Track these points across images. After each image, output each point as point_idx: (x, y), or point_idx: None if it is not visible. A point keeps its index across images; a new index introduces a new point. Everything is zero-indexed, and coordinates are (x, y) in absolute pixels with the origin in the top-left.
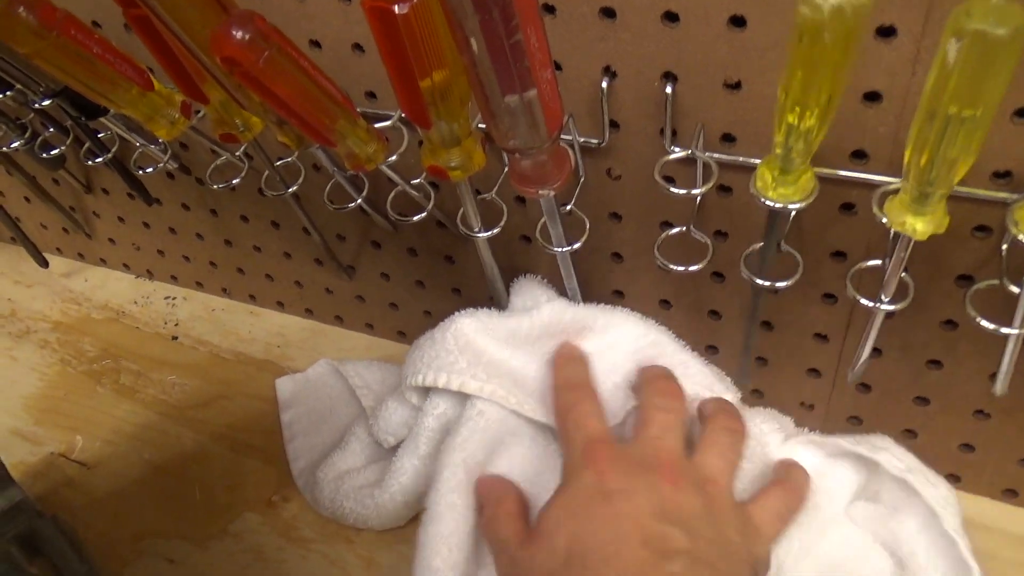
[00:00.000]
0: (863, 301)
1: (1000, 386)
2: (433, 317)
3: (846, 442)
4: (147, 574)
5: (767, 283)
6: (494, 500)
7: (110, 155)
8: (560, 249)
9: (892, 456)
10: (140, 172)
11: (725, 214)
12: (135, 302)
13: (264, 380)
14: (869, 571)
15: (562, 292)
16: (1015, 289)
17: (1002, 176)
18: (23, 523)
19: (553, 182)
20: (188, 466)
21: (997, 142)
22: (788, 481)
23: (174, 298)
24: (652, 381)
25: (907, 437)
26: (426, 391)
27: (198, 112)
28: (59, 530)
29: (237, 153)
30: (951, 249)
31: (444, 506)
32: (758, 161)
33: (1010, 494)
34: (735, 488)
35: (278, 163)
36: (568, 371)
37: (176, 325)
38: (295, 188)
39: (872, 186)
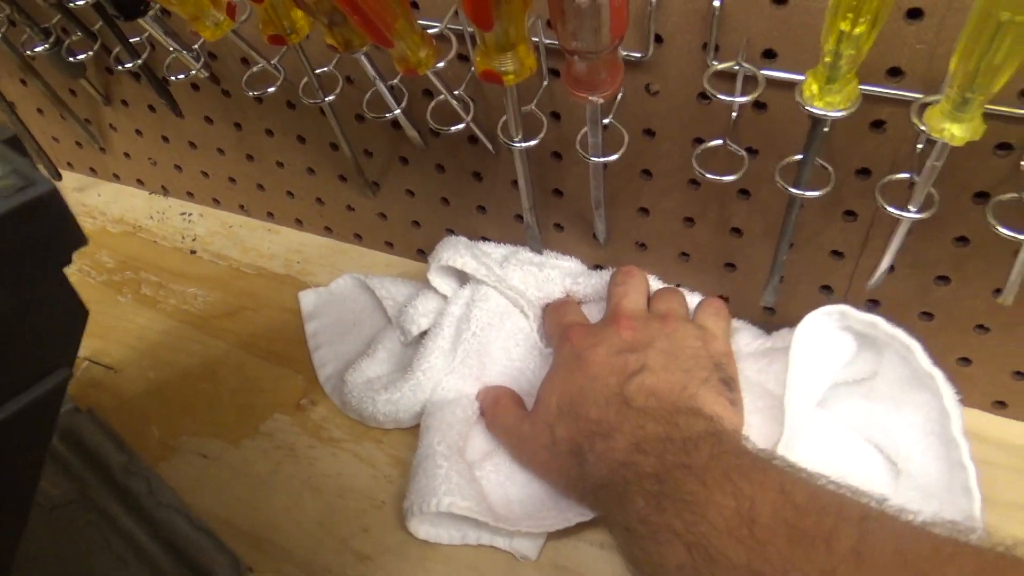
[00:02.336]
0: (892, 210)
1: (1006, 298)
2: (456, 236)
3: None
4: (183, 467)
5: (801, 192)
6: (492, 402)
7: (140, 60)
8: (597, 159)
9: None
10: (172, 79)
11: (758, 132)
12: (151, 217)
13: (287, 293)
14: (861, 471)
15: (589, 209)
16: None
17: None
18: (63, 417)
19: (605, 88)
20: (215, 371)
21: None
22: (704, 300)
23: (190, 214)
24: (614, 273)
25: None
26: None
27: (242, 16)
28: (96, 423)
29: (273, 62)
30: (972, 167)
31: (451, 391)
32: (798, 77)
33: (1000, 405)
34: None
35: (316, 72)
36: (557, 300)
37: (194, 240)
38: (332, 97)
39: (905, 103)
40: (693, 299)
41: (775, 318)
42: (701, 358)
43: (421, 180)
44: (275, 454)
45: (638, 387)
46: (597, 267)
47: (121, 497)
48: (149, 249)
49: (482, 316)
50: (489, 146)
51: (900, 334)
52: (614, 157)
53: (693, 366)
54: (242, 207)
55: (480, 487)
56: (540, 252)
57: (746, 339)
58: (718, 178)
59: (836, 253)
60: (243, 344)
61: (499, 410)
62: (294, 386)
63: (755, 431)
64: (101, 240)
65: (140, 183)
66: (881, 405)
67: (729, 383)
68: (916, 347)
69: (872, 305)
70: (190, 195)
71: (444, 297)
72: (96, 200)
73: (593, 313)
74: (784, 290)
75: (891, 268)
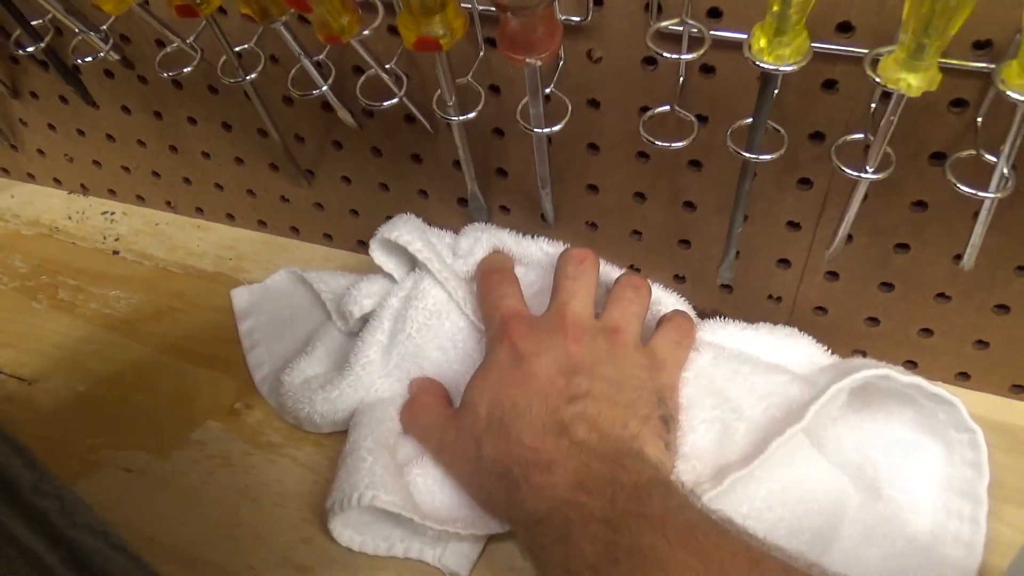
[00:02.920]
0: (848, 171)
1: (968, 260)
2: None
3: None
4: (105, 483)
5: (755, 156)
6: (411, 397)
7: (43, 44)
8: (539, 130)
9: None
10: (78, 63)
11: (706, 98)
12: (69, 217)
13: (218, 292)
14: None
15: (535, 185)
16: (991, 158)
17: (982, 46)
18: None
19: (543, 49)
20: (141, 378)
21: (979, 8)
22: (675, 317)
23: (113, 213)
24: (565, 254)
25: (870, 324)
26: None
27: None
28: (4, 440)
29: (188, 41)
30: (926, 125)
31: (385, 391)
32: (744, 36)
33: (963, 376)
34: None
35: (235, 49)
36: (492, 259)
37: (116, 240)
38: (254, 75)
39: (856, 60)
40: (662, 295)
41: (732, 295)
42: (644, 391)
43: (357, 165)
44: (207, 464)
45: (579, 417)
46: None
47: (28, 518)
48: (67, 251)
49: (418, 316)
50: (426, 124)
51: (943, 393)
52: (557, 128)
53: (635, 399)
54: (169, 203)
55: (406, 487)
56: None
57: (728, 329)
58: (667, 145)
59: (792, 224)
60: (171, 348)
61: (417, 407)
62: (228, 390)
63: (702, 449)
64: (13, 244)
65: (57, 182)
66: (884, 442)
67: (668, 422)
68: (959, 403)
69: (831, 278)
70: (112, 193)
71: (389, 279)
72: (9, 202)
73: (531, 279)
74: (740, 265)
75: (849, 237)
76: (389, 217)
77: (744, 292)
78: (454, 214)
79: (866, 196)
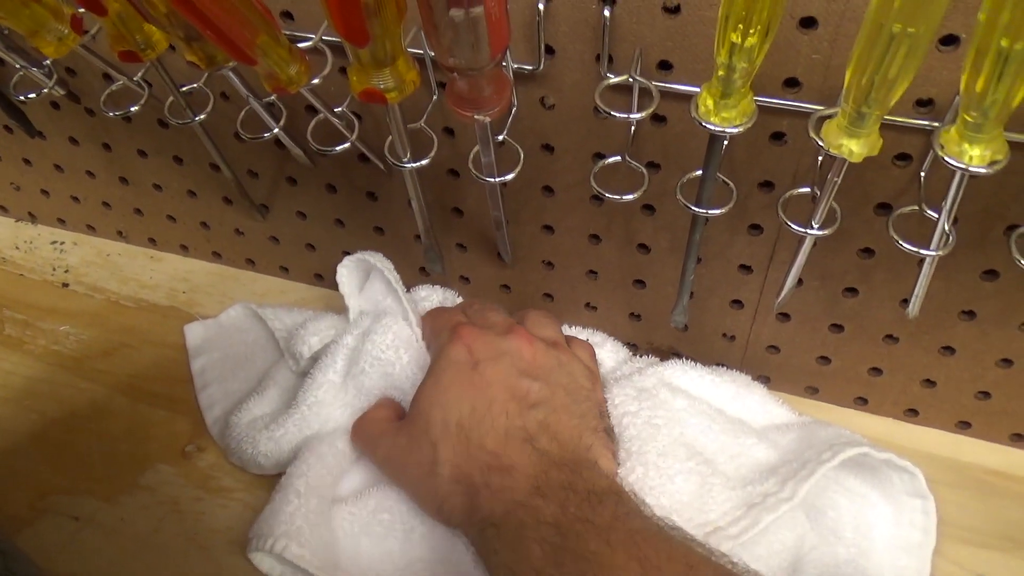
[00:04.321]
0: (794, 228)
1: (913, 309)
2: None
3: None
4: (51, 533)
5: (704, 210)
6: (366, 410)
7: None
8: (491, 179)
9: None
10: (20, 99)
11: (658, 146)
12: (16, 247)
13: (170, 327)
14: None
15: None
16: (932, 214)
17: (925, 104)
18: None
19: (491, 107)
20: (90, 419)
21: (922, 69)
22: (580, 340)
23: (62, 243)
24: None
25: (821, 363)
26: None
27: (90, 30)
28: None
29: (136, 78)
30: (872, 178)
31: (331, 422)
32: (695, 89)
33: (912, 413)
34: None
35: (183, 88)
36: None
37: (66, 272)
38: (203, 116)
39: (804, 114)
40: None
41: (687, 334)
42: (591, 403)
43: (312, 201)
44: (157, 510)
45: (541, 426)
46: (504, 287)
47: None
48: (14, 284)
49: (375, 351)
50: (380, 165)
51: (908, 465)
52: (509, 177)
53: (587, 411)
54: (120, 233)
55: (331, 532)
56: (443, 274)
57: (692, 373)
58: (618, 197)
59: (744, 267)
60: (121, 387)
61: (366, 420)
62: (179, 431)
63: (681, 503)
64: None
65: (3, 209)
66: (844, 489)
67: (610, 433)
68: (919, 473)
69: (783, 318)
70: (61, 222)
71: (339, 317)
72: None
73: None
74: (695, 304)
75: (800, 281)
76: (346, 252)
77: (699, 331)
78: (410, 250)
79: (815, 243)
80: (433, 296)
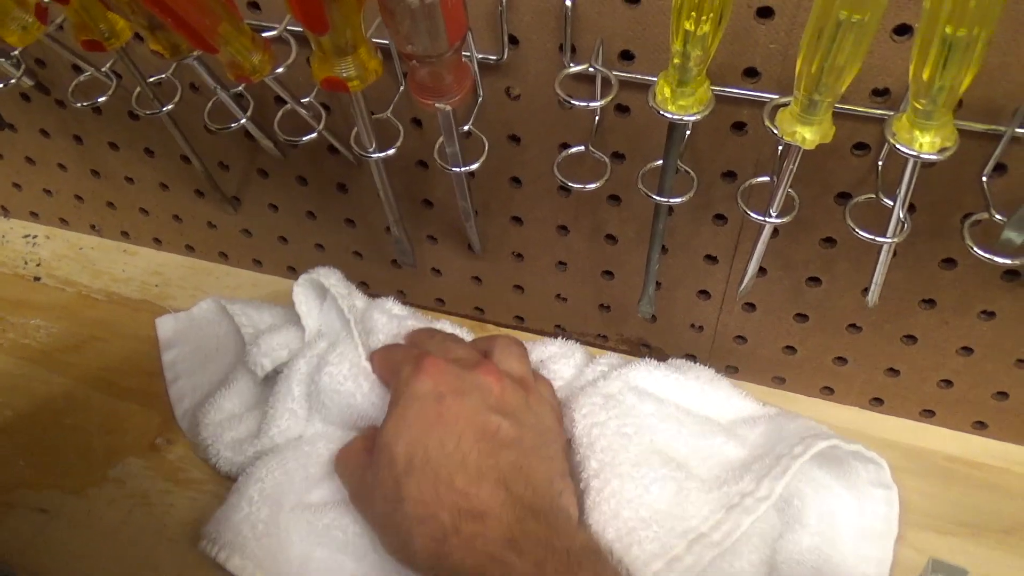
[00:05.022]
0: (752, 216)
1: (872, 297)
2: (326, 251)
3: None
4: (17, 526)
5: (665, 199)
6: (351, 439)
7: None
8: (457, 169)
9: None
10: None
11: (623, 136)
12: None
13: (142, 320)
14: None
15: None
16: (888, 202)
17: (881, 93)
18: None
19: (452, 95)
20: (58, 412)
21: (877, 59)
22: (539, 375)
23: (35, 236)
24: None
25: (787, 352)
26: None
27: (56, 19)
28: None
29: (104, 69)
30: (832, 167)
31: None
32: (655, 79)
33: (877, 402)
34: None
35: (151, 79)
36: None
37: (38, 265)
38: (171, 107)
39: (762, 103)
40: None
41: (656, 325)
42: (559, 445)
43: (283, 194)
44: (125, 503)
45: (514, 467)
46: (476, 279)
47: None
48: None
49: (333, 384)
50: (349, 156)
51: (876, 457)
52: (474, 167)
53: (555, 453)
54: (93, 227)
55: (281, 541)
56: (413, 265)
57: (657, 373)
58: (581, 187)
59: (710, 258)
60: (91, 380)
61: (346, 450)
62: (148, 424)
63: (661, 512)
64: None
65: None
66: (808, 479)
67: (573, 477)
68: (886, 464)
69: (749, 308)
70: (34, 215)
71: (295, 328)
72: None
73: None
74: (663, 295)
75: (763, 272)
76: (319, 245)
77: (667, 321)
78: (382, 242)
79: (777, 233)
80: (408, 320)
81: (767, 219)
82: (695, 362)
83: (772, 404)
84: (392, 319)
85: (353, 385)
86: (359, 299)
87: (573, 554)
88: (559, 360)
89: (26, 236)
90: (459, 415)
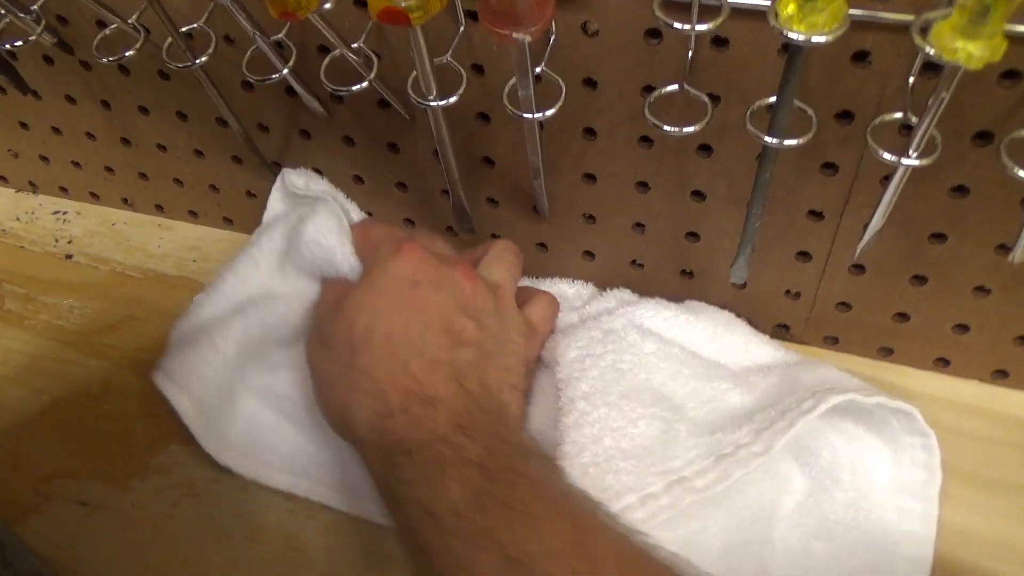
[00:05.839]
0: (887, 156)
1: (1017, 253)
2: (375, 217)
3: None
4: (57, 520)
5: (779, 141)
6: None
7: None
8: (529, 115)
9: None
10: (8, 47)
11: (718, 75)
12: (17, 218)
13: (181, 298)
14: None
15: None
16: None
17: None
18: None
19: (532, 22)
20: (96, 398)
21: None
22: (545, 294)
23: (65, 212)
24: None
25: (899, 320)
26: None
27: None
28: None
29: (131, 21)
30: (972, 102)
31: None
32: (767, 1)
33: (1000, 375)
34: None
35: (182, 30)
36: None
37: (70, 243)
38: (204, 59)
39: (892, 28)
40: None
41: (744, 293)
42: (518, 358)
43: (328, 156)
44: (170, 494)
45: (469, 366)
46: (541, 246)
47: None
48: (15, 256)
49: (315, 234)
50: (402, 110)
51: (904, 406)
52: (550, 112)
53: (512, 365)
54: (125, 201)
55: (233, 396)
56: (472, 231)
57: (666, 312)
58: (677, 130)
59: (814, 214)
60: (129, 362)
61: (321, 295)
62: None
63: (642, 448)
64: None
65: (3, 179)
66: (839, 432)
67: (527, 395)
68: (916, 412)
69: (857, 271)
70: (64, 190)
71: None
72: None
73: None
74: (755, 259)
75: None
76: (367, 212)
77: (759, 288)
78: (437, 207)
79: (904, 182)
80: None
81: (905, 160)
82: (786, 330)
83: (873, 376)
84: None
85: (336, 240)
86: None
87: (522, 447)
88: (566, 296)
89: (56, 212)
90: (429, 305)
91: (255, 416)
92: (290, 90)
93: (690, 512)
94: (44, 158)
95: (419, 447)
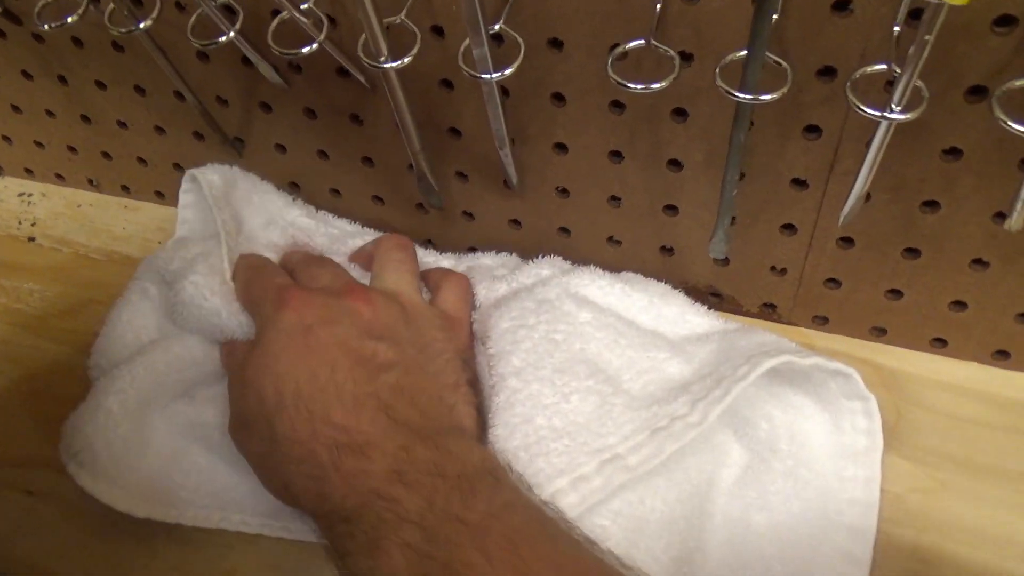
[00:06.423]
0: (868, 111)
1: (1016, 219)
2: (342, 196)
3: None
4: (2, 510)
5: (751, 96)
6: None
7: None
8: (486, 76)
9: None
10: None
11: (690, 29)
12: None
13: None
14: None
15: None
16: None
17: None
18: None
19: None
20: (50, 383)
21: None
22: (450, 275)
23: (30, 195)
24: (379, 239)
25: (891, 297)
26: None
27: None
28: None
29: None
30: (965, 52)
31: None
32: None
33: (1001, 355)
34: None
35: None
36: (249, 258)
37: (33, 225)
38: (149, 23)
39: None
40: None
41: (728, 269)
42: (447, 355)
43: (291, 130)
44: None
45: (395, 390)
46: (514, 222)
47: None
48: None
49: (195, 296)
50: (360, 78)
51: (842, 367)
52: (508, 71)
53: (443, 366)
54: (91, 181)
55: (144, 445)
56: (439, 206)
57: (600, 282)
58: (643, 88)
59: (798, 182)
60: (86, 347)
61: (231, 355)
62: None
63: (576, 425)
64: None
65: None
66: (777, 400)
67: (474, 385)
68: (855, 373)
69: (845, 244)
70: (28, 172)
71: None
72: None
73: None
74: (738, 233)
75: (867, 195)
76: (334, 190)
77: (743, 264)
78: (405, 183)
79: (887, 141)
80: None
81: (887, 114)
82: (773, 309)
83: (866, 358)
84: (275, 228)
85: (219, 300)
86: (266, 194)
87: (466, 478)
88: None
89: (21, 195)
90: (329, 344)
91: (181, 453)
92: (246, 60)
93: (626, 485)
94: (7, 138)
95: (357, 511)
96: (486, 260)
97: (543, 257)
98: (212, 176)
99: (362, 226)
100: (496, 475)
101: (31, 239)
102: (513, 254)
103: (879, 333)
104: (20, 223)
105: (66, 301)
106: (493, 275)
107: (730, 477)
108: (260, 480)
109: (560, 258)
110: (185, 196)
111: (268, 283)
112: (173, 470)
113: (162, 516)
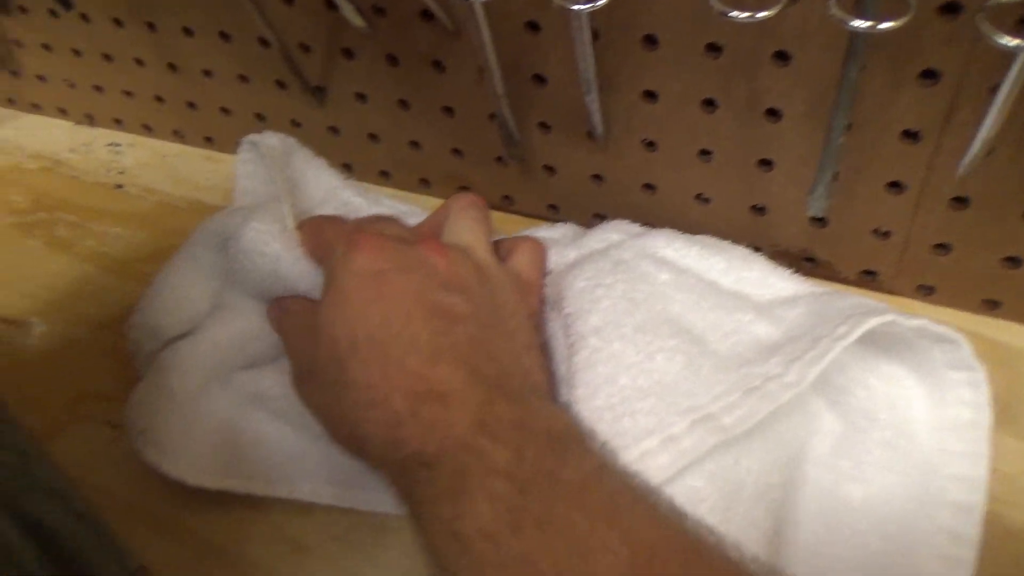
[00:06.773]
0: (1001, 41)
1: None
2: (422, 148)
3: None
4: (86, 439)
5: (869, 24)
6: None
7: None
8: (576, 7)
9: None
10: None
11: None
12: (73, 150)
13: None
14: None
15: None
16: None
17: None
18: None
19: None
20: None
21: None
22: (527, 240)
23: (119, 145)
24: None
25: (1008, 265)
26: None
27: None
28: None
29: None
30: None
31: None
32: None
33: None
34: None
35: None
36: (317, 216)
37: (121, 173)
38: None
39: None
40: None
41: (825, 230)
42: (520, 316)
43: (371, 78)
44: None
45: (474, 344)
46: (596, 178)
47: None
48: (68, 186)
49: (256, 243)
50: (444, 19)
51: (948, 332)
52: (600, 2)
53: (517, 326)
54: (176, 133)
55: (202, 417)
56: (520, 158)
57: (677, 243)
58: (748, 16)
59: (909, 134)
60: None
61: (281, 312)
62: None
63: (662, 385)
64: (12, 178)
65: (63, 112)
66: (875, 368)
67: (544, 350)
68: (962, 340)
69: (959, 205)
70: (118, 123)
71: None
72: (12, 134)
73: None
74: (838, 191)
75: (990, 148)
76: (413, 143)
77: (842, 225)
78: (485, 132)
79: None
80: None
81: None
82: (872, 277)
83: (975, 332)
84: (330, 206)
85: (280, 247)
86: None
87: (555, 439)
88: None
89: (110, 144)
90: (404, 292)
91: (242, 422)
92: (331, 3)
93: (719, 447)
94: (98, 88)
95: (437, 458)
96: (546, 233)
97: (610, 222)
98: (272, 140)
99: (415, 207)
100: (582, 441)
101: (119, 187)
102: (573, 225)
103: (992, 306)
104: (108, 171)
105: (149, 246)
106: (560, 244)
107: (822, 446)
108: (326, 429)
109: (627, 222)
110: (244, 166)
111: (339, 227)
112: (241, 441)
113: (233, 487)
